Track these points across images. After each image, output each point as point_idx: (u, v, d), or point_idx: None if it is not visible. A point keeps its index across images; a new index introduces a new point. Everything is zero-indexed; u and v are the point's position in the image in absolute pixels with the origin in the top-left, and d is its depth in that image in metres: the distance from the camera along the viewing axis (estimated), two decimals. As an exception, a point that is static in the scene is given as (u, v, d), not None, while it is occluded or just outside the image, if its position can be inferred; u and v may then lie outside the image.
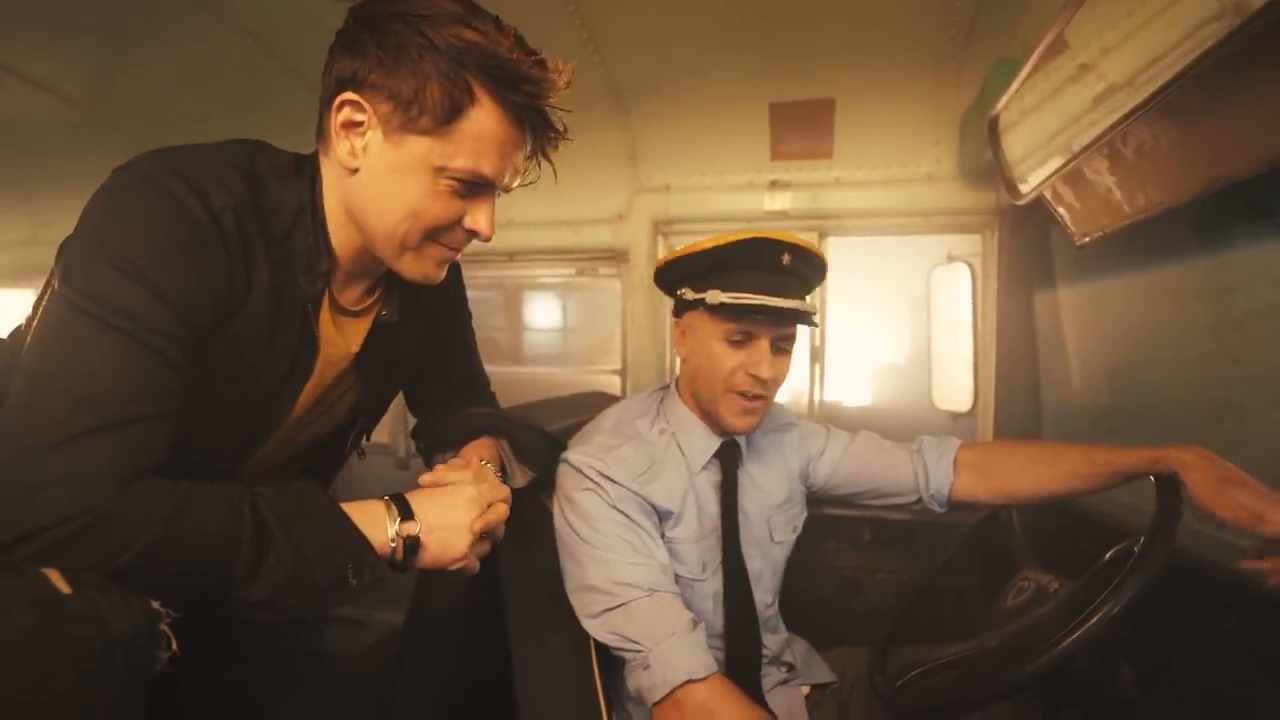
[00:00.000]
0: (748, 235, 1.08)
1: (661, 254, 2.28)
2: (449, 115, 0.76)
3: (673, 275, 1.18)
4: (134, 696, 0.53)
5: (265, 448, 0.94)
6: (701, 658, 0.98)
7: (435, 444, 1.16)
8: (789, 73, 1.91)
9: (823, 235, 2.16)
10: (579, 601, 1.06)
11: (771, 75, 1.93)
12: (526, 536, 1.14)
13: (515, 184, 0.87)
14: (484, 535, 0.89)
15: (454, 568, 0.86)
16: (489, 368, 1.32)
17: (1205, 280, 1.38)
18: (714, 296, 1.08)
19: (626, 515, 1.08)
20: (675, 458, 1.17)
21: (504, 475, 1.08)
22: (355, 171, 0.80)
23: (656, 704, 0.97)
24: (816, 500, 1.38)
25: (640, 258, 2.27)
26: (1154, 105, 0.89)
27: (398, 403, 1.25)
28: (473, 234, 0.86)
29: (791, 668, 1.25)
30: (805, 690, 1.24)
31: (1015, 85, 1.26)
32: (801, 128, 2.03)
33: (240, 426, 0.89)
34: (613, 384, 2.48)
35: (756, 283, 1.07)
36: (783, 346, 1.12)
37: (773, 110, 2.01)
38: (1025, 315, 1.89)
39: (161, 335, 0.69)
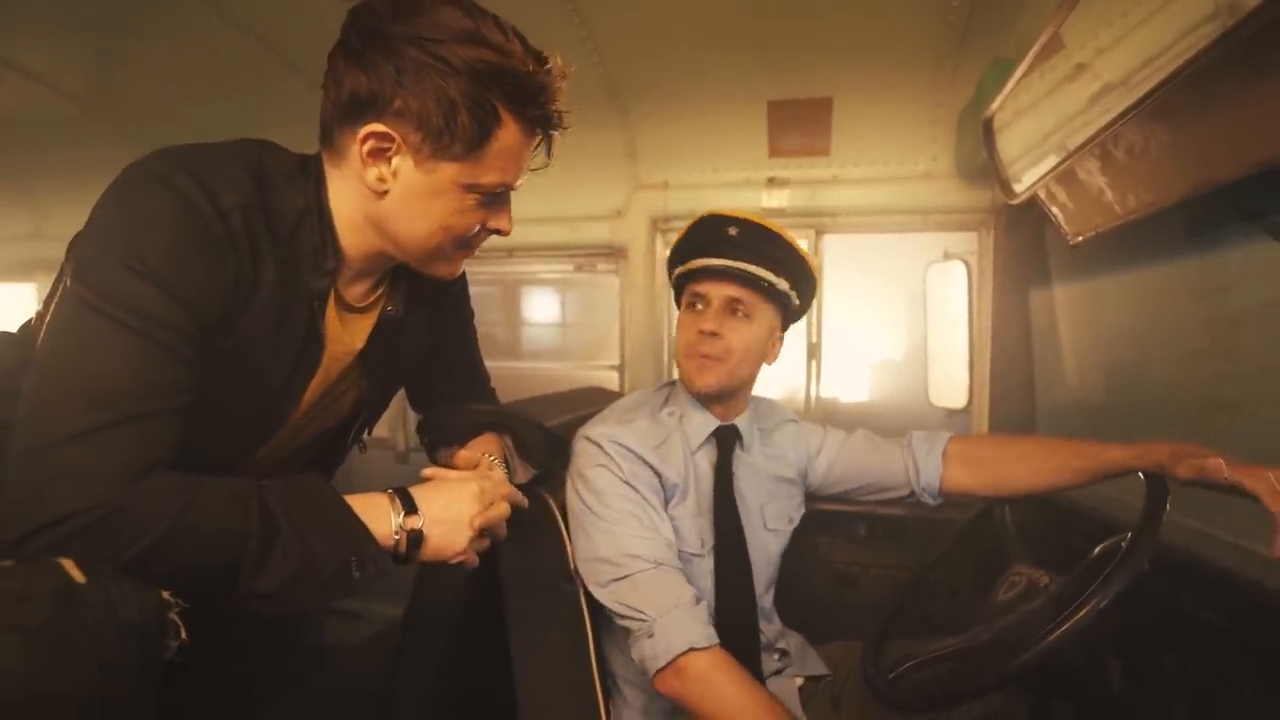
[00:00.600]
0: (697, 218, 1.21)
1: (659, 251, 2.30)
2: (479, 140, 0.79)
3: (671, 273, 1.28)
4: (145, 684, 0.54)
5: (271, 443, 0.95)
6: (704, 630, 1.01)
7: (440, 439, 1.17)
8: (787, 71, 1.92)
9: (820, 232, 2.17)
10: (588, 571, 1.10)
11: (769, 73, 1.94)
12: (527, 530, 1.16)
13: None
14: (485, 532, 0.90)
15: (454, 561, 0.88)
16: (488, 363, 1.33)
17: (1199, 278, 1.40)
18: (674, 273, 1.25)
19: (636, 490, 1.12)
20: (681, 438, 1.22)
21: (507, 471, 1.10)
22: (384, 194, 0.83)
23: (659, 671, 0.99)
24: (813, 497, 1.41)
25: (638, 254, 2.29)
26: (1144, 107, 0.90)
27: (398, 397, 1.27)
28: (496, 232, 0.92)
29: (785, 655, 1.27)
30: (799, 682, 1.26)
31: (1009, 86, 1.27)
32: (799, 125, 2.04)
33: (247, 422, 0.90)
34: (611, 379, 2.49)
35: (702, 253, 1.18)
36: (737, 310, 1.18)
37: (771, 108, 2.02)
38: (1020, 313, 1.90)
39: (172, 332, 0.70)
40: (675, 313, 1.41)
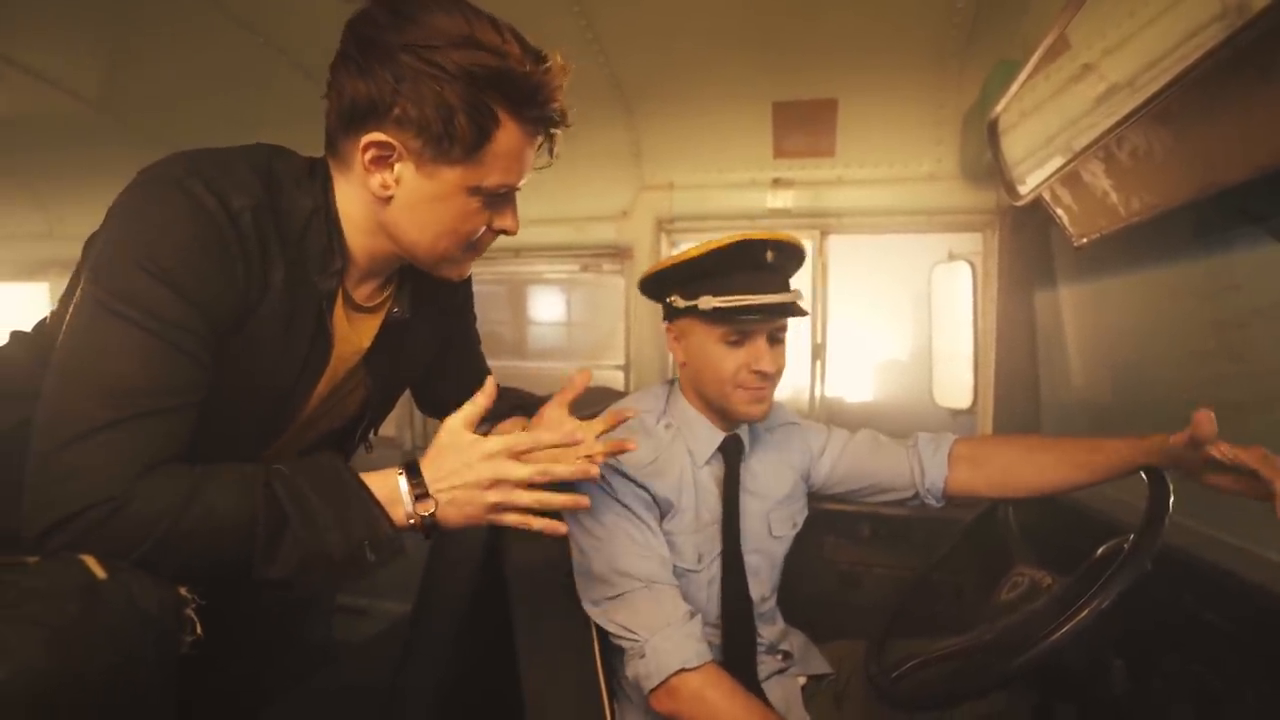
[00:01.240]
0: (732, 239, 1.11)
1: (665, 251, 2.31)
2: (478, 142, 0.80)
3: (660, 284, 1.22)
4: (164, 676, 0.56)
5: (279, 441, 0.97)
6: (695, 647, 1.01)
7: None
8: (792, 72, 1.92)
9: (825, 233, 2.18)
10: (582, 586, 1.11)
11: (774, 75, 1.94)
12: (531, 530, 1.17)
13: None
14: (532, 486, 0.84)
15: (489, 520, 0.83)
16: (495, 362, 1.35)
17: (1205, 279, 1.40)
18: (706, 302, 1.12)
19: (629, 509, 1.11)
20: (680, 453, 1.20)
21: None
22: (389, 200, 0.84)
23: (652, 691, 1.00)
24: (817, 497, 1.41)
25: (644, 255, 2.30)
26: (1148, 110, 0.91)
27: (405, 397, 1.28)
28: (502, 232, 0.92)
29: (788, 656, 1.28)
30: (802, 681, 1.27)
31: (1014, 88, 1.28)
32: (804, 126, 2.05)
33: (257, 420, 0.92)
34: (616, 379, 2.50)
35: (744, 283, 1.11)
36: (777, 337, 1.16)
37: (776, 109, 2.03)
38: (1025, 313, 1.91)
39: (184, 332, 0.72)
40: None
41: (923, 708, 1.07)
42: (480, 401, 0.86)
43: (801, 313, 1.15)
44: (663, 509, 1.16)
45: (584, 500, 0.88)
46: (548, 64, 0.82)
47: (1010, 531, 1.34)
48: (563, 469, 0.83)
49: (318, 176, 0.87)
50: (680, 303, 1.17)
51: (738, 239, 1.11)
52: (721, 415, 1.21)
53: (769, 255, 1.12)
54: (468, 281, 1.20)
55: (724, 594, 1.18)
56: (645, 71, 1.98)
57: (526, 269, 2.70)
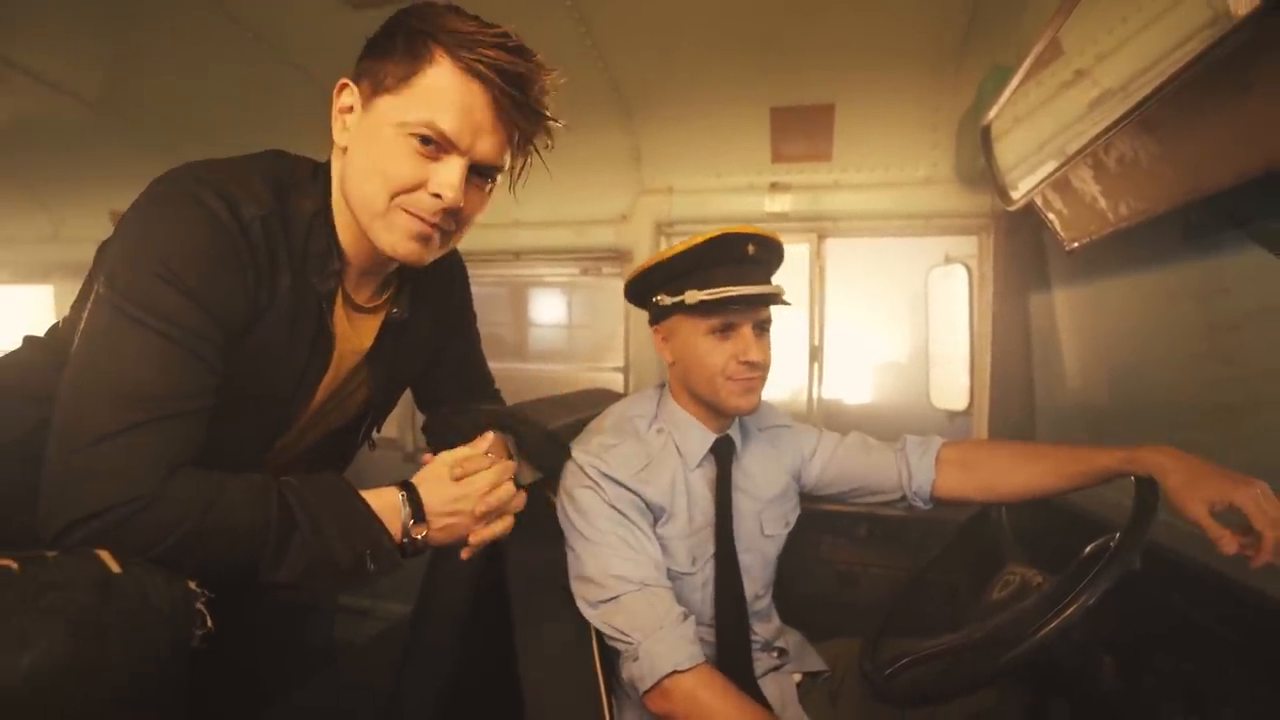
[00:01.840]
0: (713, 234, 1.14)
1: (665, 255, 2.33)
2: (409, 72, 0.81)
3: (644, 286, 1.24)
4: (175, 668, 0.58)
5: (286, 438, 0.99)
6: (687, 649, 1.03)
7: (445, 439, 1.21)
8: (789, 78, 1.95)
9: (822, 236, 2.20)
10: (578, 589, 1.12)
11: (772, 80, 1.96)
12: (532, 530, 1.19)
13: (503, 167, 0.89)
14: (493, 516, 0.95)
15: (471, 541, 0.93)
16: (496, 364, 1.36)
17: (1199, 282, 1.41)
18: (692, 296, 1.15)
19: (622, 513, 1.13)
20: (671, 456, 1.22)
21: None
22: (346, 151, 0.87)
23: (646, 693, 1.02)
24: (808, 498, 1.42)
25: (643, 258, 2.29)
26: (1131, 119, 0.93)
27: (406, 399, 1.30)
28: (435, 197, 0.84)
29: (783, 653, 1.29)
30: (797, 678, 1.29)
31: (1005, 95, 1.30)
32: (801, 131, 2.07)
33: (264, 419, 0.94)
34: (616, 381, 2.52)
35: (728, 275, 1.14)
36: (763, 328, 1.19)
37: (773, 114, 2.05)
38: (1020, 316, 1.93)
39: (198, 337, 0.75)
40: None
41: (915, 704, 1.09)
42: (465, 453, 0.96)
43: (784, 302, 1.18)
44: (655, 514, 1.18)
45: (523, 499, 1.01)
46: (518, 42, 0.84)
47: (1003, 532, 1.36)
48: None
49: (320, 179, 0.90)
50: (666, 300, 1.19)
51: (720, 232, 1.14)
52: (713, 412, 1.23)
53: (750, 249, 1.16)
54: (466, 281, 1.22)
55: (718, 595, 1.20)
56: (644, 77, 2.01)
57: (527, 271, 2.72)
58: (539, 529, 1.19)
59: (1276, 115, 0.77)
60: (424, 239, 0.87)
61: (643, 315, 2.30)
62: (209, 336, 0.76)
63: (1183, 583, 1.17)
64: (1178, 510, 0.97)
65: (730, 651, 1.19)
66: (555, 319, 3.55)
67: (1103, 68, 1.33)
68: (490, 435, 1.15)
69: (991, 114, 1.42)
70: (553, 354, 3.56)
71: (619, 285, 2.48)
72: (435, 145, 0.82)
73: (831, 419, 2.26)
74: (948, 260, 2.16)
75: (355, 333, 1.00)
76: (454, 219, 0.88)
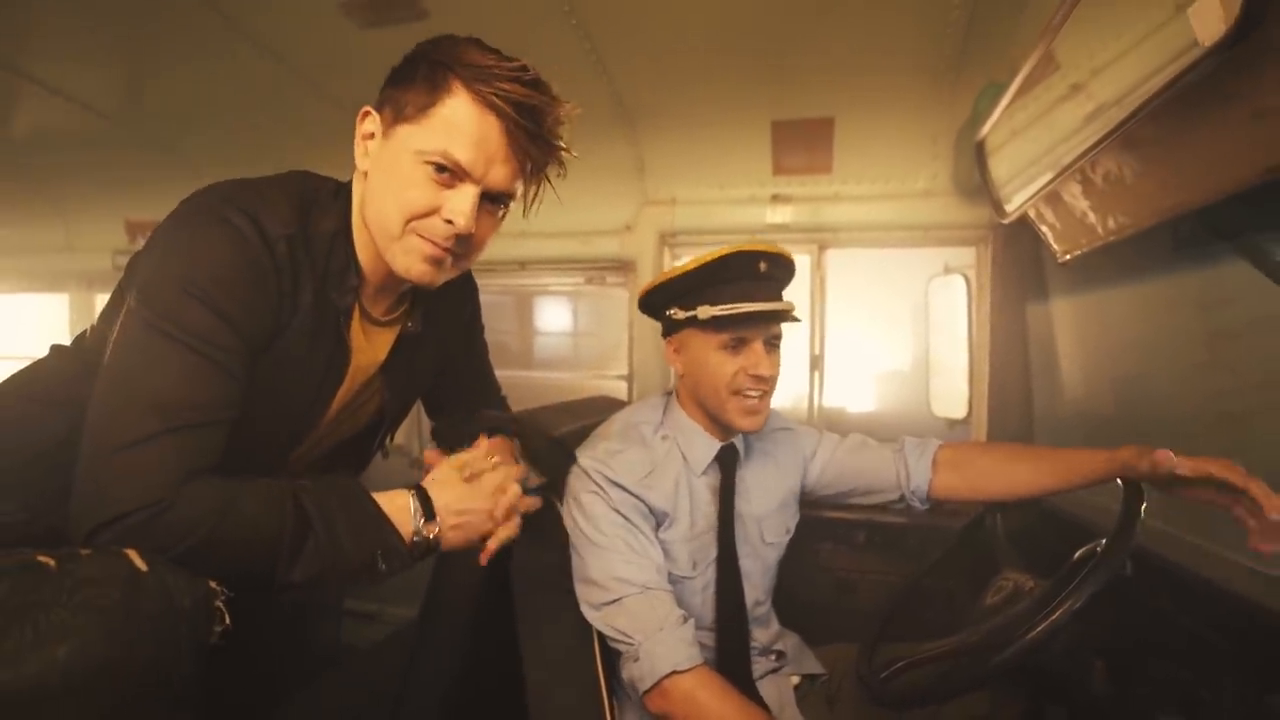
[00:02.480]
0: (727, 250, 1.17)
1: (667, 264, 2.36)
2: (428, 102, 0.85)
3: (658, 299, 1.27)
4: (195, 661, 0.61)
5: (302, 446, 1.03)
6: (687, 651, 1.05)
7: (453, 444, 1.24)
8: (790, 92, 1.98)
9: (823, 247, 2.23)
10: (582, 591, 1.15)
11: (773, 94, 2.00)
12: (536, 534, 1.22)
13: (515, 195, 0.92)
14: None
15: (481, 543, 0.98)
16: (502, 372, 1.40)
17: (1199, 291, 1.44)
18: (705, 311, 1.17)
19: (625, 518, 1.16)
20: (676, 462, 1.25)
21: None
22: (367, 176, 0.91)
23: (646, 693, 1.05)
24: (812, 503, 1.45)
25: (646, 268, 2.35)
26: (1115, 137, 0.96)
27: (414, 408, 1.33)
28: (448, 223, 0.87)
29: (781, 656, 1.32)
30: (795, 681, 1.31)
31: (997, 112, 1.33)
32: (802, 144, 2.11)
33: (283, 427, 0.98)
34: (620, 389, 2.55)
35: (741, 292, 1.17)
36: (773, 344, 1.22)
37: (774, 128, 2.09)
38: (1018, 326, 1.95)
39: (224, 351, 0.78)
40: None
41: (909, 706, 1.11)
42: (468, 456, 1.00)
43: (795, 319, 1.21)
44: (658, 519, 1.21)
45: (537, 502, 1.06)
46: (534, 75, 0.88)
47: (998, 538, 1.38)
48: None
49: (341, 198, 0.94)
50: (679, 314, 1.22)
51: (733, 250, 1.17)
52: (718, 425, 1.26)
53: (762, 266, 1.18)
54: (476, 296, 1.26)
55: (719, 600, 1.23)
56: (648, 91, 2.05)
57: (532, 281, 2.76)
58: (542, 534, 1.22)
59: (1256, 131, 0.79)
60: (436, 262, 0.90)
61: (647, 324, 2.37)
62: (234, 350, 0.80)
63: (1175, 590, 1.19)
64: (1166, 471, 1.01)
65: (729, 654, 1.22)
66: (560, 327, 3.59)
67: (1092, 85, 1.36)
68: (495, 440, 1.18)
69: (985, 129, 1.45)
70: (558, 362, 3.60)
71: (623, 294, 2.53)
72: (450, 173, 0.86)
73: (832, 427, 2.26)
74: (947, 270, 2.19)
75: (371, 345, 1.03)
76: (465, 244, 0.91)
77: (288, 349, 0.89)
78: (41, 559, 0.53)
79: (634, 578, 1.11)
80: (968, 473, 1.31)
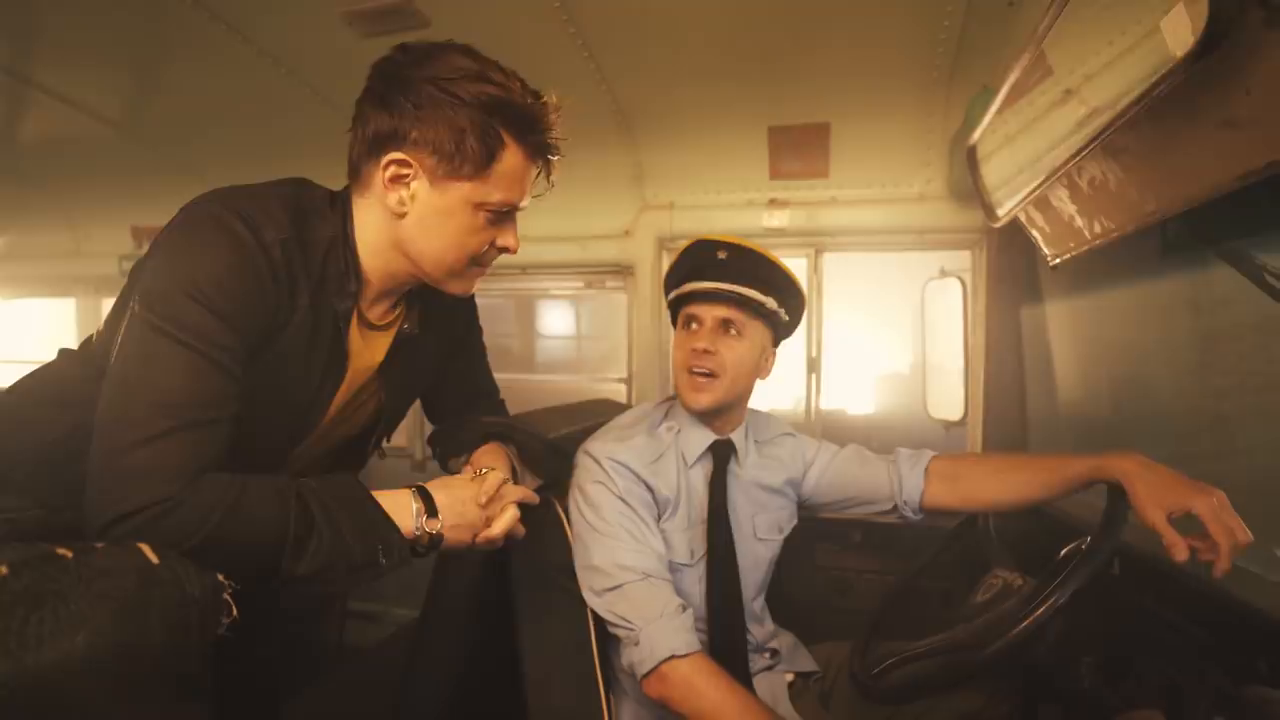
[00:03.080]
0: (687, 243, 1.29)
1: (665, 268, 2.39)
2: (486, 161, 0.90)
3: (667, 295, 1.35)
4: (204, 651, 0.64)
5: (301, 446, 1.06)
6: (685, 637, 1.08)
7: (450, 449, 1.27)
8: (786, 98, 2.01)
9: (819, 251, 2.26)
10: (585, 578, 1.18)
11: (769, 100, 2.03)
12: (536, 533, 1.24)
13: (525, 201, 1.01)
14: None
15: (479, 544, 1.02)
16: (503, 375, 1.43)
17: (1194, 294, 1.46)
18: (671, 297, 1.32)
19: (630, 506, 1.20)
20: (676, 451, 1.29)
21: (514, 478, 1.19)
22: (403, 215, 0.94)
23: (644, 677, 1.07)
24: (804, 507, 1.47)
25: (645, 272, 2.38)
26: (1097, 143, 0.98)
27: (416, 411, 1.36)
28: (504, 250, 1.01)
29: (776, 653, 1.34)
30: (789, 677, 1.33)
31: (988, 117, 1.35)
32: (798, 149, 2.14)
33: (282, 427, 1.00)
34: (619, 391, 2.58)
35: (694, 274, 1.27)
36: (730, 328, 1.26)
37: (771, 133, 2.12)
38: (1012, 329, 1.97)
39: (224, 351, 0.81)
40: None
41: (901, 701, 1.14)
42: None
43: (735, 295, 1.24)
44: (661, 507, 1.25)
45: (533, 496, 1.12)
46: (544, 99, 0.94)
47: (989, 538, 1.40)
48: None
49: (338, 206, 0.97)
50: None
51: (693, 241, 1.29)
52: (712, 416, 1.31)
53: (721, 254, 1.26)
54: (472, 300, 1.29)
55: (711, 587, 1.26)
56: (646, 98, 2.08)
57: (533, 285, 2.79)
58: (542, 533, 1.24)
59: (1226, 140, 0.82)
60: (480, 278, 1.06)
61: (645, 328, 2.39)
62: (233, 349, 0.83)
63: (1161, 587, 1.21)
64: (1138, 515, 1.01)
65: (725, 647, 1.24)
66: (560, 331, 3.62)
67: (1080, 91, 1.38)
68: (491, 445, 1.21)
69: (976, 135, 1.48)
70: (558, 365, 3.63)
71: (623, 298, 2.56)
72: (506, 214, 0.97)
73: (830, 429, 2.31)
74: (943, 274, 2.21)
75: (368, 348, 1.06)
76: None
77: (286, 350, 0.92)
78: (60, 552, 0.56)
79: (636, 565, 1.14)
80: (958, 484, 1.33)
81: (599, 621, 1.17)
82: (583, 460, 1.26)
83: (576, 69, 1.91)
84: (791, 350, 2.21)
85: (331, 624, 1.99)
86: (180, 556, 0.66)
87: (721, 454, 1.32)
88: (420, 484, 0.97)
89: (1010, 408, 1.98)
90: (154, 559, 0.61)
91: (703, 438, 1.31)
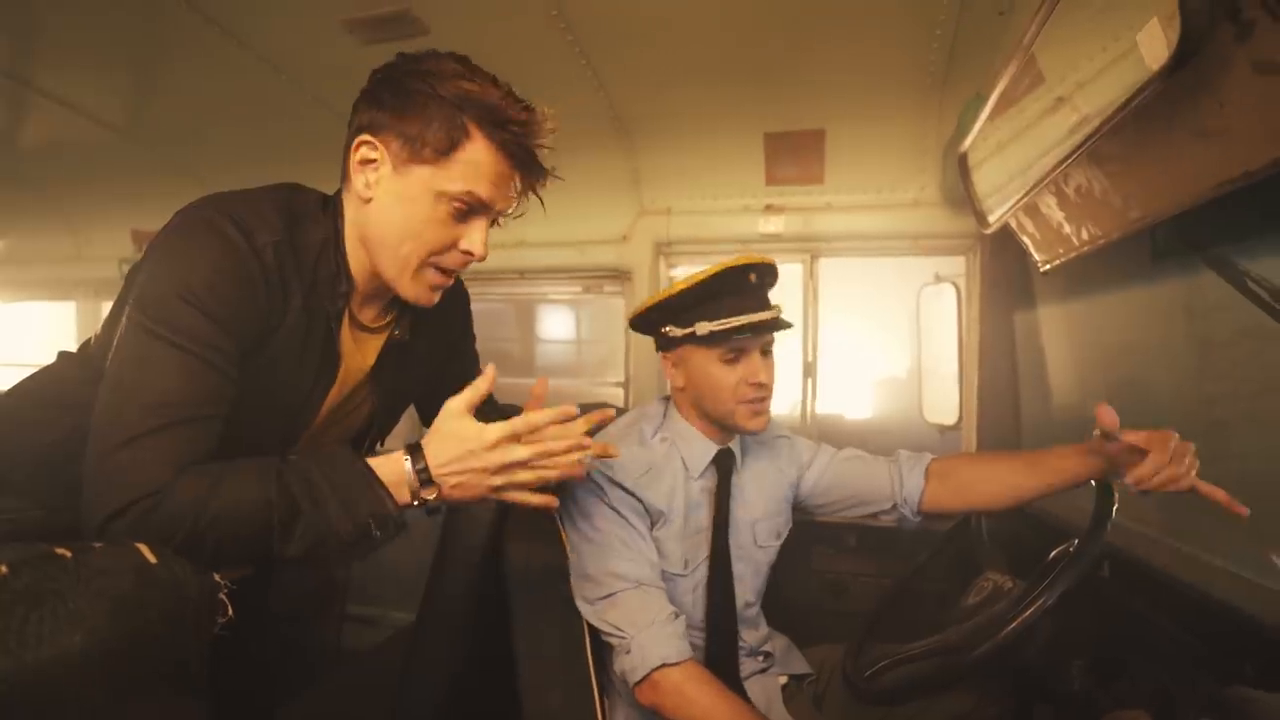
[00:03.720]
0: (718, 269, 1.22)
1: (662, 272, 2.41)
2: (448, 147, 0.90)
3: (654, 318, 1.31)
4: (200, 650, 0.65)
5: (297, 446, 1.07)
6: (677, 645, 1.09)
7: None
8: (782, 105, 2.03)
9: (815, 256, 2.27)
10: (578, 587, 1.19)
11: (765, 107, 2.05)
12: (531, 536, 1.26)
13: (509, 213, 0.99)
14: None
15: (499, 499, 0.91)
16: (502, 379, 1.43)
17: (1190, 298, 1.47)
18: (703, 328, 1.22)
19: (622, 516, 1.20)
20: (674, 464, 1.29)
21: None
22: (369, 201, 0.94)
23: (636, 685, 1.08)
24: (802, 510, 1.48)
25: (643, 277, 2.40)
26: (1081, 152, 1.00)
27: (412, 417, 1.37)
28: (467, 255, 0.96)
29: (769, 656, 1.35)
30: (782, 680, 1.34)
31: (978, 124, 1.37)
32: (794, 155, 2.15)
33: (275, 429, 1.02)
34: (617, 395, 2.59)
35: (734, 306, 1.22)
36: (767, 351, 1.27)
37: (767, 139, 2.13)
38: (1006, 334, 1.99)
39: (216, 351, 0.83)
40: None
41: (892, 703, 1.15)
42: (481, 387, 0.92)
43: (788, 324, 1.26)
44: (653, 517, 1.25)
45: (579, 470, 0.95)
46: (526, 104, 0.94)
47: (981, 541, 1.42)
48: (561, 444, 0.90)
49: (330, 209, 0.99)
50: (676, 332, 1.27)
51: (725, 266, 1.22)
52: (723, 430, 1.31)
53: (752, 277, 1.24)
54: (466, 304, 1.30)
55: (710, 598, 1.27)
56: (643, 104, 2.09)
57: (532, 290, 2.81)
58: (538, 533, 1.26)
59: (1201, 150, 0.83)
60: (442, 288, 1.00)
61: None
62: (225, 350, 0.85)
63: (1150, 590, 1.22)
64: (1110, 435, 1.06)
65: (718, 654, 1.25)
66: (559, 335, 3.64)
67: (1067, 101, 1.40)
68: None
69: (968, 141, 1.50)
70: (557, 369, 3.64)
71: (620, 303, 2.57)
72: (469, 209, 0.93)
73: (826, 433, 2.31)
74: (938, 279, 2.23)
75: (360, 351, 1.08)
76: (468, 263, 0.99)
77: (278, 351, 0.93)
78: (59, 551, 0.57)
79: (628, 573, 1.15)
80: (954, 483, 1.35)
81: (594, 627, 1.18)
82: None
83: (574, 75, 1.92)
84: (787, 355, 2.24)
85: (328, 627, 2.00)
86: (177, 556, 0.67)
87: (725, 464, 1.32)
88: (417, 442, 0.90)
89: (1004, 412, 1.99)
90: (151, 558, 0.62)
91: (706, 450, 1.31)
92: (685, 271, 2.32)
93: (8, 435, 0.97)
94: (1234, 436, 1.43)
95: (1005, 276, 1.96)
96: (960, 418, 2.13)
